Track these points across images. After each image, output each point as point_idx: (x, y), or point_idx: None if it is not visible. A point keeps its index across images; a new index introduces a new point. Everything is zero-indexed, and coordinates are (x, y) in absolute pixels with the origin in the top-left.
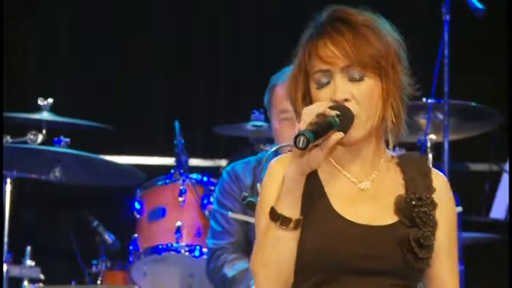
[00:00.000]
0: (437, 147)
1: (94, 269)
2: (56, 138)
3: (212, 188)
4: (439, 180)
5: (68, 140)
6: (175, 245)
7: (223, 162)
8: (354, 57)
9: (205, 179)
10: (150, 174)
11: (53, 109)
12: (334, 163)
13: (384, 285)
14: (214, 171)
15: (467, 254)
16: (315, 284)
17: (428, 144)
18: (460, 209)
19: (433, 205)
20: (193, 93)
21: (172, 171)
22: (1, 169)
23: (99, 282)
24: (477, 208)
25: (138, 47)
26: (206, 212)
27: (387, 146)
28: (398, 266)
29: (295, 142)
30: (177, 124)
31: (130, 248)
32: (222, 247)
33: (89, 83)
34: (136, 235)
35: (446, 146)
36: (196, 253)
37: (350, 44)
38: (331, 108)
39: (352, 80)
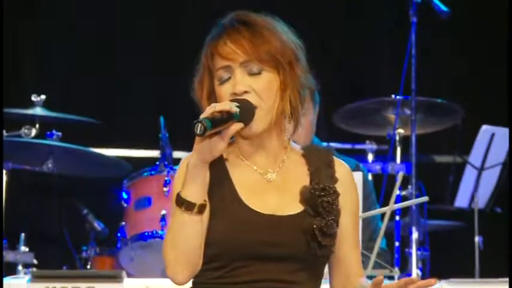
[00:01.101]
0: (405, 140)
1: (84, 254)
2: (48, 132)
3: None
4: (342, 170)
5: (59, 133)
6: (160, 232)
7: None
8: (251, 53)
9: None
10: (136, 166)
11: (45, 105)
12: (240, 156)
13: (290, 270)
14: None
15: (433, 240)
16: (229, 270)
17: (397, 137)
18: (426, 198)
19: (336, 194)
20: (176, 91)
21: (157, 163)
22: (1, 163)
23: (89, 267)
24: (442, 197)
25: (127, 47)
26: None
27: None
28: (303, 253)
29: (193, 129)
30: (162, 119)
31: (118, 235)
32: None
33: (80, 80)
34: (123, 223)
35: (413, 139)
36: None
37: (247, 41)
38: (231, 101)
39: (251, 74)
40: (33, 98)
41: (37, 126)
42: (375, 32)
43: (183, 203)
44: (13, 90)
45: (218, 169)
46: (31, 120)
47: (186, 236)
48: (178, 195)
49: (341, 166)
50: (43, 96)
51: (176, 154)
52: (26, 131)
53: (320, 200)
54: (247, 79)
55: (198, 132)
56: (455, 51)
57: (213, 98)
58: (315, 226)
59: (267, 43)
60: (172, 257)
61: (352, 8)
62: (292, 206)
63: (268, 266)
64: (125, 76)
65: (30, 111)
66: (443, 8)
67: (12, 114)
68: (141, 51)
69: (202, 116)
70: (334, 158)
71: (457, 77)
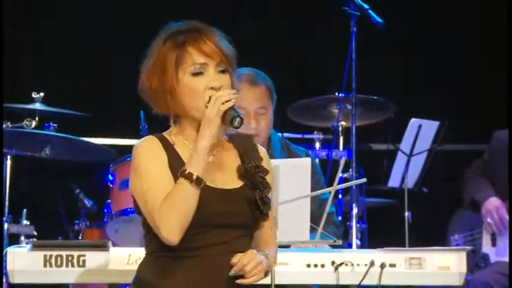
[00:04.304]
0: (346, 131)
1: (76, 227)
2: (46, 124)
3: None
4: (263, 153)
5: (55, 125)
6: None
7: None
8: (223, 55)
9: None
10: (120, 152)
11: (44, 101)
12: (184, 140)
13: (236, 236)
14: None
15: (370, 215)
16: (189, 236)
17: (340, 129)
18: (364, 179)
19: (266, 171)
20: None
21: None
22: (1, 149)
23: (80, 237)
24: (378, 179)
25: (112, 51)
26: None
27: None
28: (249, 220)
29: (232, 121)
30: (142, 114)
31: (105, 210)
32: None
33: (74, 80)
34: (109, 200)
35: (353, 130)
36: None
37: (221, 44)
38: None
39: (221, 72)
40: (34, 95)
41: (37, 119)
42: (322, 38)
43: (192, 179)
44: (16, 88)
45: (171, 152)
46: (32, 113)
47: (190, 206)
48: (187, 171)
49: (262, 150)
50: (42, 94)
51: None
52: (27, 122)
53: (256, 175)
54: (220, 77)
55: (237, 125)
56: (390, 55)
57: (174, 89)
58: (257, 197)
59: (229, 49)
60: (175, 222)
61: (303, 24)
62: (233, 182)
63: (220, 233)
64: (112, 76)
65: (30, 106)
66: (379, 19)
67: (16, 108)
68: (124, 55)
69: (230, 110)
70: (256, 143)
71: (391, 77)
